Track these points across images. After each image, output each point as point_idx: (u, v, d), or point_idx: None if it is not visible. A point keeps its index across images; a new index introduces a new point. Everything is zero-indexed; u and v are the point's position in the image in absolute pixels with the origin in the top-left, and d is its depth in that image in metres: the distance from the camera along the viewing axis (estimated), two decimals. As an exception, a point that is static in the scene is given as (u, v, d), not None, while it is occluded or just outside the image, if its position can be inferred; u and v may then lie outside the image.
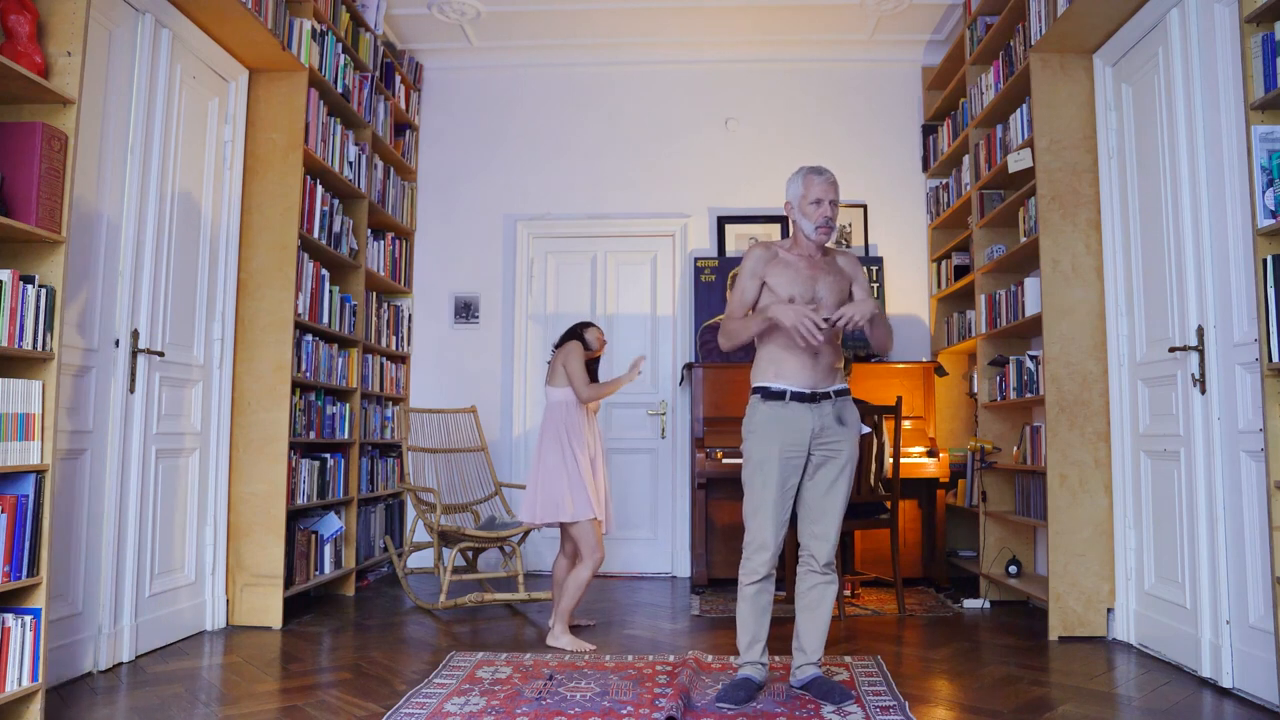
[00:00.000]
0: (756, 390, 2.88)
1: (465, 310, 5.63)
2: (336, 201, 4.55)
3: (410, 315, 5.61)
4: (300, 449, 4.22)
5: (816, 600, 2.88)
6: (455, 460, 4.79)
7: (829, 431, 2.82)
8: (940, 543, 4.84)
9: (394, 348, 5.38)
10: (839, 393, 2.87)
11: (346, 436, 4.63)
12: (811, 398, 2.81)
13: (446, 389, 5.53)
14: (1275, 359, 2.50)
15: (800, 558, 2.91)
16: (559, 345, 3.81)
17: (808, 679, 2.85)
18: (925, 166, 5.56)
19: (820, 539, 2.86)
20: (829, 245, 2.81)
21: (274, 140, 3.98)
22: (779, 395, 2.81)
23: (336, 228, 4.52)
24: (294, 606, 4.13)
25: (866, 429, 3.92)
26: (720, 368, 5.05)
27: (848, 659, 3.31)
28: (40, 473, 2.47)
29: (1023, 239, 4.16)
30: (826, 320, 2.68)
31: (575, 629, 3.80)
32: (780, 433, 2.79)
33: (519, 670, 3.14)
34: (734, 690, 2.76)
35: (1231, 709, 2.78)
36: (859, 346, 5.13)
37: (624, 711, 2.65)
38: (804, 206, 2.84)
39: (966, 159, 4.84)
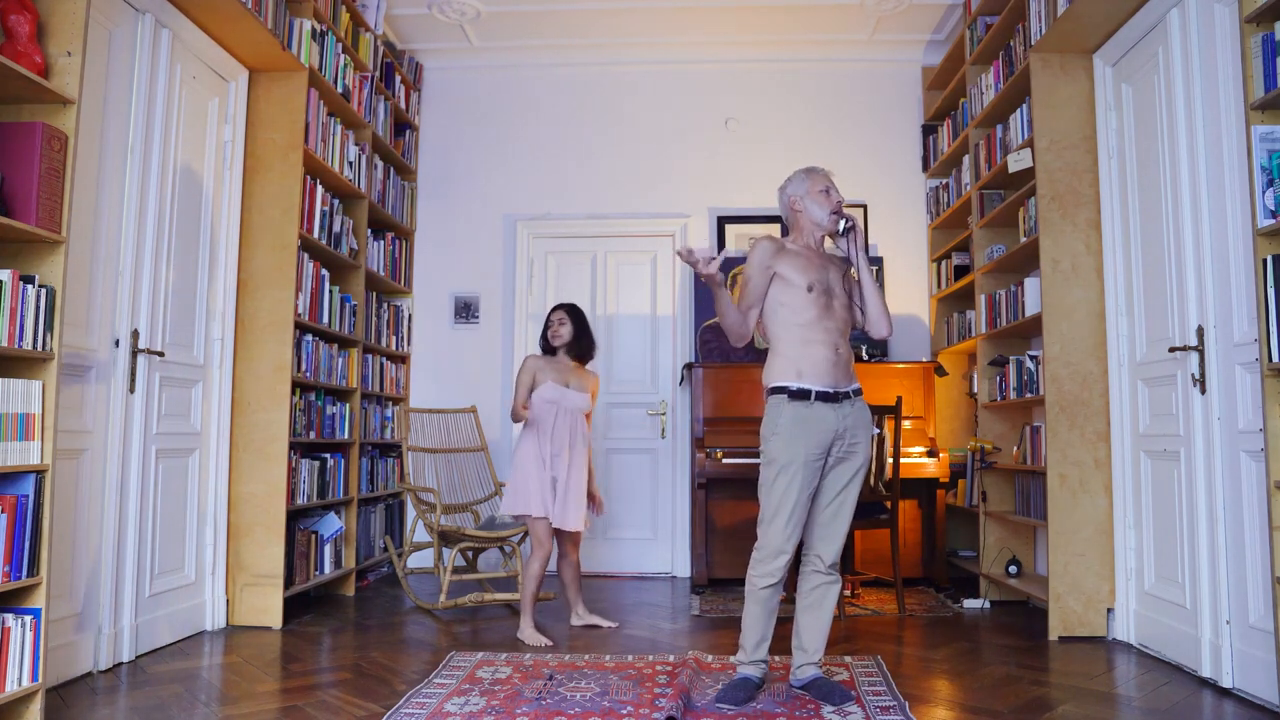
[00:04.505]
0: (779, 390, 2.79)
1: (465, 310, 5.63)
2: (336, 201, 4.55)
3: (410, 315, 5.60)
4: (300, 449, 4.22)
5: (819, 600, 2.86)
6: (455, 460, 4.79)
7: (850, 432, 2.79)
8: (940, 543, 4.84)
9: (394, 348, 5.37)
10: (856, 392, 2.85)
11: (346, 436, 4.63)
12: (835, 397, 2.77)
13: (446, 389, 5.53)
14: (1275, 359, 2.50)
15: (805, 557, 2.88)
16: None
17: (808, 679, 2.85)
18: (925, 166, 5.56)
19: (829, 540, 2.84)
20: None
21: (274, 140, 3.98)
22: (804, 395, 2.75)
23: (336, 228, 4.52)
24: (294, 606, 4.13)
25: (877, 430, 3.92)
26: (720, 368, 5.04)
27: (848, 659, 3.30)
28: (40, 473, 2.47)
29: (1023, 239, 4.16)
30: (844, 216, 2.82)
31: (594, 629, 3.87)
32: (805, 435, 2.73)
33: (519, 670, 3.14)
34: (734, 690, 2.76)
35: (1231, 709, 2.78)
36: (863, 343, 5.13)
37: (624, 711, 2.65)
38: (814, 195, 2.86)
39: (966, 159, 4.84)
